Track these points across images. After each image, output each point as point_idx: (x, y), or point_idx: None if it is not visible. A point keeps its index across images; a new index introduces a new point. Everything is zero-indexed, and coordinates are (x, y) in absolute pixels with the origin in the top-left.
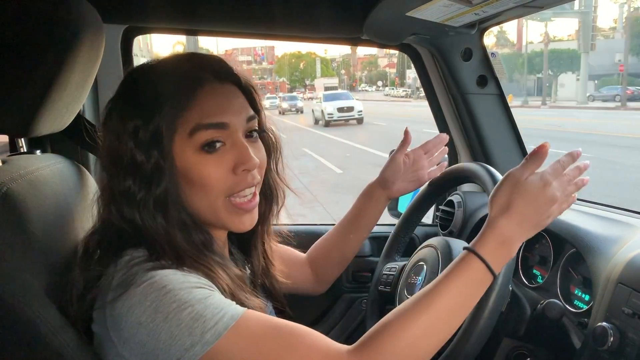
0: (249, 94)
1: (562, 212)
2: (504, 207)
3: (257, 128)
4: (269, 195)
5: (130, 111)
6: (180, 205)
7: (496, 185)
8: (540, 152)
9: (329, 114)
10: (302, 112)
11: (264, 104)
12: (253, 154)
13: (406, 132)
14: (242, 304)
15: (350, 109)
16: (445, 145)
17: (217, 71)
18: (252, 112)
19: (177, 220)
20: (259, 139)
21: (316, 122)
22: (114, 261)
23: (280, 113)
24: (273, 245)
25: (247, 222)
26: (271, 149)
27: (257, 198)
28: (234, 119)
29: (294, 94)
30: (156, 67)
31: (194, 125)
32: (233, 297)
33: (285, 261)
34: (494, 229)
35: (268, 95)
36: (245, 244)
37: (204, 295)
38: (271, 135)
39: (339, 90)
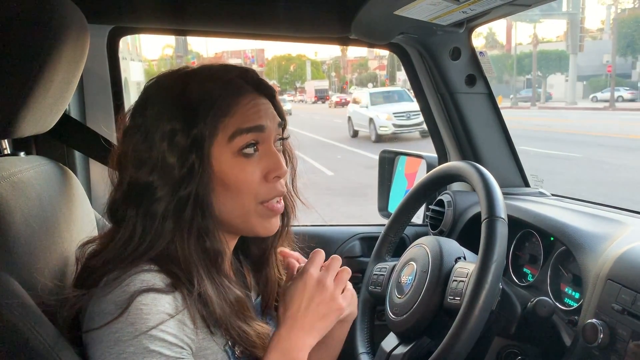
0: (276, 105)
1: (346, 307)
2: (281, 316)
3: (282, 136)
4: (288, 208)
5: (168, 113)
6: (209, 209)
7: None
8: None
9: (381, 126)
10: (290, 113)
11: None
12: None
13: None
14: (239, 333)
15: (415, 114)
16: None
17: (257, 84)
18: (280, 120)
19: (199, 226)
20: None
21: (354, 134)
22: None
23: None
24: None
25: (275, 225)
26: (289, 160)
27: (283, 203)
28: (270, 123)
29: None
30: (199, 73)
31: (234, 130)
32: (228, 326)
33: None
34: (276, 343)
35: None
36: (259, 258)
37: None
38: (289, 147)
39: (390, 88)
